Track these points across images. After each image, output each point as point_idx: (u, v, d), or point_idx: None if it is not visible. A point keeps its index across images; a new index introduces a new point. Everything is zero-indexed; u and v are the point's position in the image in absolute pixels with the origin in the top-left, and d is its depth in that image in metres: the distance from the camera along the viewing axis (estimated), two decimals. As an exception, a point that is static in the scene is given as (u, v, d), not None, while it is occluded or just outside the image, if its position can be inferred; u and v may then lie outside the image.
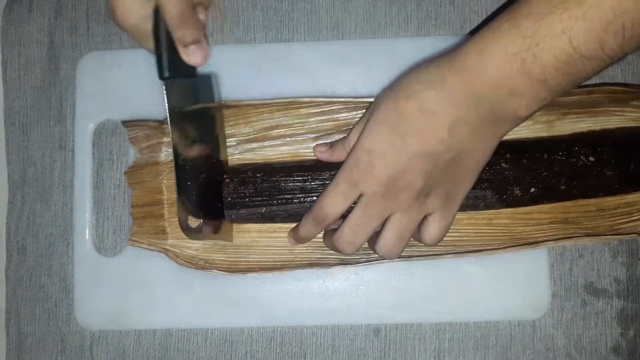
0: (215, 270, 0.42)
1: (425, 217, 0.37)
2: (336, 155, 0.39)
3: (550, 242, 0.42)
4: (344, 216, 0.37)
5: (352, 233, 0.36)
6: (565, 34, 0.29)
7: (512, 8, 0.31)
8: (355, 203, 0.36)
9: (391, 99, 0.35)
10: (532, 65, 0.30)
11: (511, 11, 0.31)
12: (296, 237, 0.41)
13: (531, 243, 0.42)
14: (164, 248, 0.43)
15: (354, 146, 0.36)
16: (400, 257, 0.41)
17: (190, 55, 0.37)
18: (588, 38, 0.28)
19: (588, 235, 0.42)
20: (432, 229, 0.37)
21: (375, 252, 0.37)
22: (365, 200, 0.35)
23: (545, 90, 0.31)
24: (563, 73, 0.30)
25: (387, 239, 0.36)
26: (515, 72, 0.30)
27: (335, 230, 0.37)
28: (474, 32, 0.32)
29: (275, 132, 0.43)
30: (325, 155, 0.40)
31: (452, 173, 0.35)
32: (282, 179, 0.40)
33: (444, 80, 0.33)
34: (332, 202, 0.36)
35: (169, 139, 0.43)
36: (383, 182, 0.34)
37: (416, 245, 0.42)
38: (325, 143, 0.41)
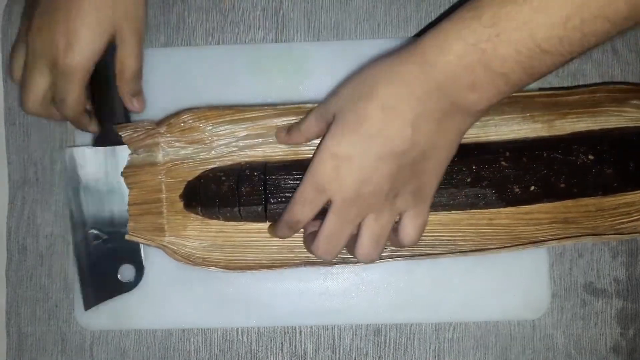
0: (213, 267, 0.42)
1: (400, 219, 0.37)
2: (294, 139, 0.40)
3: (552, 241, 0.41)
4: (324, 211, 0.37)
5: (328, 243, 0.36)
6: (526, 26, 0.29)
7: None
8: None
9: (351, 98, 0.34)
10: (493, 57, 0.30)
11: (473, 1, 0.30)
12: (275, 235, 0.41)
13: (533, 242, 0.42)
14: (161, 244, 0.43)
15: (318, 148, 0.35)
16: (402, 257, 0.41)
17: (137, 104, 0.43)
18: (549, 32, 0.28)
19: (589, 234, 0.42)
20: (407, 229, 0.36)
21: (354, 256, 0.37)
22: (336, 208, 0.35)
23: (505, 84, 0.31)
24: (523, 67, 0.30)
25: (364, 245, 0.36)
26: (476, 64, 0.30)
27: (313, 233, 0.37)
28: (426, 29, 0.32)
29: (274, 131, 0.43)
30: (283, 140, 0.41)
31: (419, 170, 0.34)
32: (282, 177, 0.39)
33: (404, 76, 0.32)
34: (301, 210, 0.36)
35: (165, 139, 0.43)
36: (351, 187, 0.34)
37: (417, 245, 0.42)
38: (284, 128, 0.41)
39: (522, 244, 0.42)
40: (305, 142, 0.40)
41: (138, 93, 0.43)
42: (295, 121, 0.42)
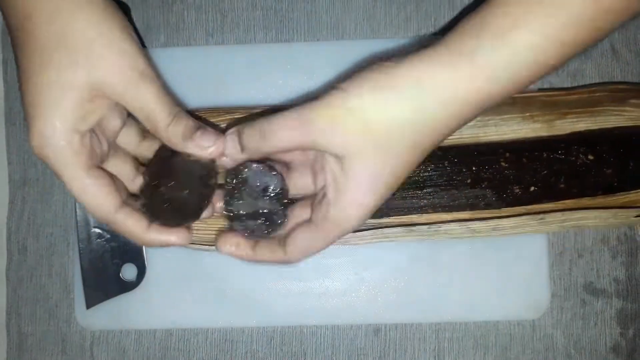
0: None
1: None
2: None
3: (557, 212, 0.41)
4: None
5: (307, 256, 0.33)
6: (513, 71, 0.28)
7: (454, 43, 0.30)
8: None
9: (360, 144, 0.29)
10: (487, 99, 0.29)
11: (456, 46, 0.30)
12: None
13: (538, 212, 0.40)
14: None
15: (348, 201, 0.30)
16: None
17: (202, 142, 0.31)
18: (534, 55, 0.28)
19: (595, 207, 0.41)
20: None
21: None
22: (334, 238, 0.32)
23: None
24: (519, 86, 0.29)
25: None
26: (467, 113, 0.29)
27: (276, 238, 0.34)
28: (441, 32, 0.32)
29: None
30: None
31: None
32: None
33: (400, 124, 0.29)
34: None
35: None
36: (357, 227, 0.32)
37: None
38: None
39: (523, 214, 0.41)
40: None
41: (193, 130, 0.31)
42: None
